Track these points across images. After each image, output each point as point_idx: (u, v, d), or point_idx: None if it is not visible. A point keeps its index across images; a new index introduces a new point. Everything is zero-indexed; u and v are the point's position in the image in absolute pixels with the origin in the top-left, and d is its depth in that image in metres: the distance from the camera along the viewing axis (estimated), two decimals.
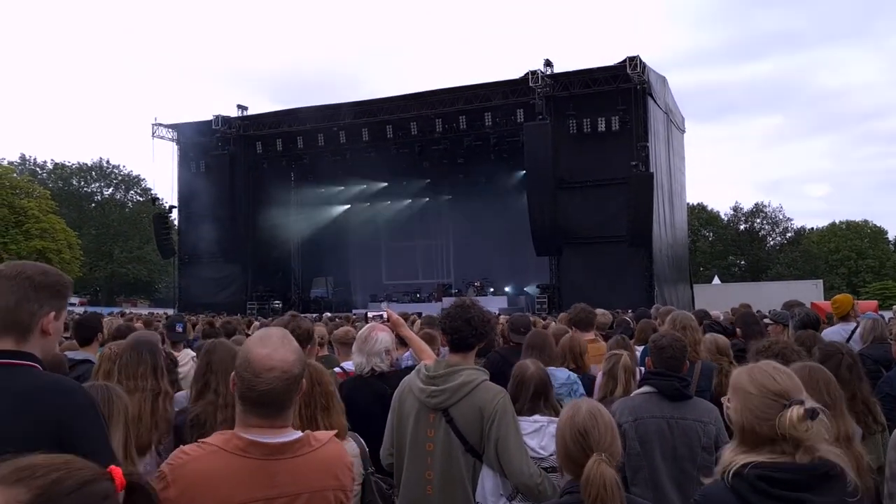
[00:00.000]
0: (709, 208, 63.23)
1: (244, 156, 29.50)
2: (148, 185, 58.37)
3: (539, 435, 3.18)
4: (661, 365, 3.39)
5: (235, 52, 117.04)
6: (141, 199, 59.65)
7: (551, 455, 3.08)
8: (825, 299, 19.61)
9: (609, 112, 23.10)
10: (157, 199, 32.68)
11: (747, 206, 63.65)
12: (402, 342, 4.22)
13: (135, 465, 2.47)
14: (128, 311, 25.66)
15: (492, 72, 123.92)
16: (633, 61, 22.29)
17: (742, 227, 62.93)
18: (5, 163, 47.38)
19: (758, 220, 63.27)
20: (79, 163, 59.80)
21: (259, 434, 1.76)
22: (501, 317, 9.58)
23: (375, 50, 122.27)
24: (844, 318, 6.23)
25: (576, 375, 4.24)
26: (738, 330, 5.75)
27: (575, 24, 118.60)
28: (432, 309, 19.40)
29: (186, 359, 4.99)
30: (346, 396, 2.91)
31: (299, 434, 1.83)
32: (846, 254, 55.40)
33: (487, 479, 2.94)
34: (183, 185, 30.54)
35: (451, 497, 2.96)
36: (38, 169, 57.45)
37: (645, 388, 3.40)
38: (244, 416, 1.79)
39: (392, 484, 3.09)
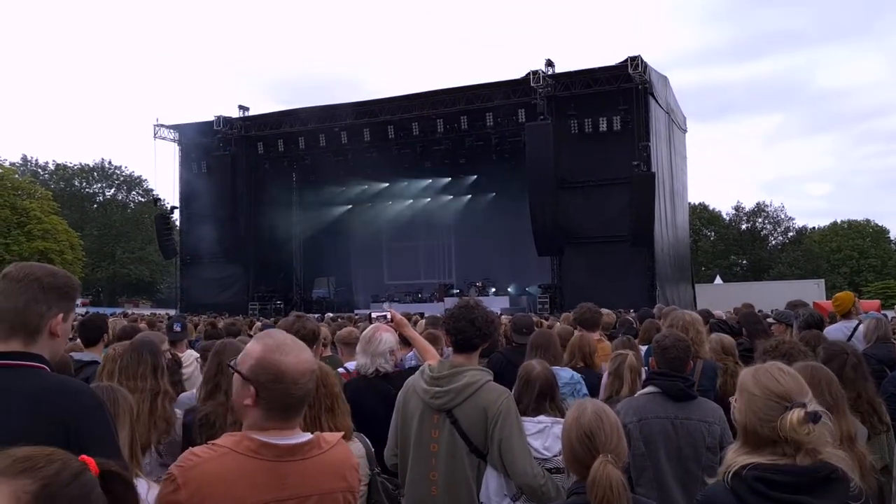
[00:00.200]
0: (710, 208, 63.24)
1: (246, 156, 29.50)
2: (150, 186, 58.56)
3: (543, 436, 3.18)
4: (665, 365, 3.39)
5: (237, 53, 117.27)
6: (143, 199, 59.69)
7: (555, 456, 3.08)
8: (827, 299, 19.59)
9: (610, 112, 23.09)
10: (159, 199, 32.77)
11: (749, 205, 63.72)
12: (405, 342, 4.22)
13: (140, 465, 2.48)
14: (130, 311, 25.70)
15: (493, 72, 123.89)
16: (635, 61, 22.27)
17: (744, 226, 62.88)
18: (7, 164, 47.41)
19: (759, 220, 63.22)
20: (80, 164, 59.87)
21: (272, 436, 1.76)
22: (504, 317, 9.57)
23: (377, 50, 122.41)
24: (846, 315, 6.22)
25: (579, 375, 4.25)
26: (744, 329, 5.75)
27: (576, 25, 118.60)
28: (434, 309, 19.41)
29: (190, 360, 4.99)
30: (351, 397, 2.91)
31: (309, 436, 1.84)
32: (848, 253, 55.33)
33: (491, 480, 2.95)
34: (184, 185, 30.57)
35: (456, 497, 2.96)
36: (39, 170, 57.49)
37: (649, 389, 3.40)
38: (265, 421, 1.77)
39: (398, 484, 3.09)
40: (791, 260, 56.28)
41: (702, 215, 60.67)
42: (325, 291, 31.84)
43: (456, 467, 2.96)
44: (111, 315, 13.19)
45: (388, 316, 4.08)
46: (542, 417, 3.24)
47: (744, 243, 61.24)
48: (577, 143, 23.72)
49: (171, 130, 30.81)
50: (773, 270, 55.78)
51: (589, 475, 2.01)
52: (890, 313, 12.41)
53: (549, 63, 24.35)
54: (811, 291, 27.57)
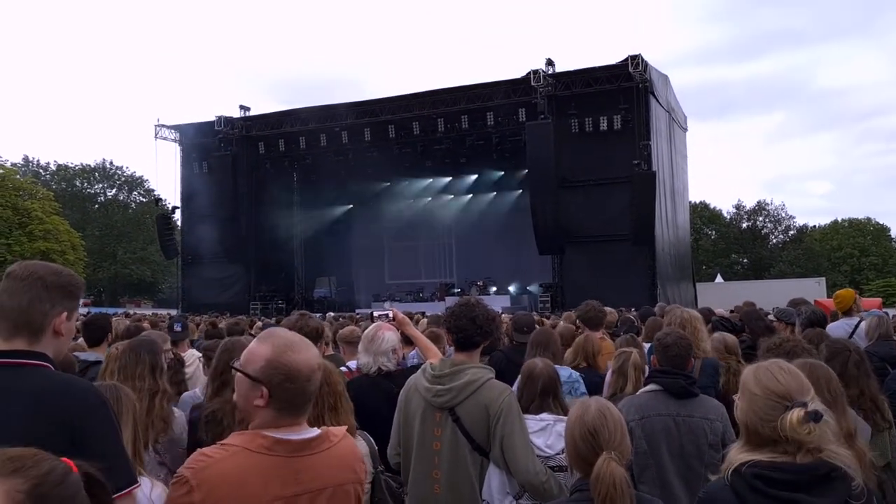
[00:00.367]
0: (711, 206, 63.16)
1: (246, 156, 29.52)
2: (151, 186, 58.70)
3: (545, 433, 3.18)
4: (667, 363, 3.39)
5: (237, 53, 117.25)
6: (144, 199, 59.74)
7: (558, 454, 3.08)
8: (828, 297, 19.57)
9: (611, 111, 23.09)
10: (160, 199, 32.85)
11: (750, 203, 63.61)
12: (407, 341, 4.23)
13: (142, 463, 2.49)
14: (132, 311, 25.72)
15: (493, 71, 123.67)
16: (635, 60, 22.26)
17: (744, 225, 62.81)
18: (8, 164, 47.37)
19: (760, 218, 63.14)
20: (82, 164, 59.85)
21: (284, 432, 1.77)
22: (504, 315, 9.58)
23: (377, 50, 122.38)
24: (847, 312, 6.22)
25: (577, 374, 4.25)
26: (746, 327, 5.74)
27: (576, 24, 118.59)
28: (435, 308, 19.45)
29: (192, 359, 5.00)
30: (354, 396, 2.92)
31: (318, 430, 1.85)
32: (849, 251, 55.25)
33: (494, 478, 2.95)
34: (186, 185, 30.62)
35: (459, 495, 2.96)
36: (41, 170, 57.51)
37: (651, 387, 3.40)
38: (277, 419, 1.77)
39: (401, 482, 3.10)
40: (792, 258, 56.24)
41: (702, 214, 60.62)
42: (326, 291, 31.86)
43: (459, 465, 2.96)
44: (113, 315, 13.19)
45: (390, 314, 4.08)
46: (544, 415, 3.25)
47: (745, 242, 61.18)
48: (577, 143, 23.71)
49: (172, 131, 30.85)
50: (773, 269, 55.73)
51: (592, 472, 2.02)
52: (891, 311, 12.39)
53: (550, 62, 24.35)
54: (812, 290, 27.51)
